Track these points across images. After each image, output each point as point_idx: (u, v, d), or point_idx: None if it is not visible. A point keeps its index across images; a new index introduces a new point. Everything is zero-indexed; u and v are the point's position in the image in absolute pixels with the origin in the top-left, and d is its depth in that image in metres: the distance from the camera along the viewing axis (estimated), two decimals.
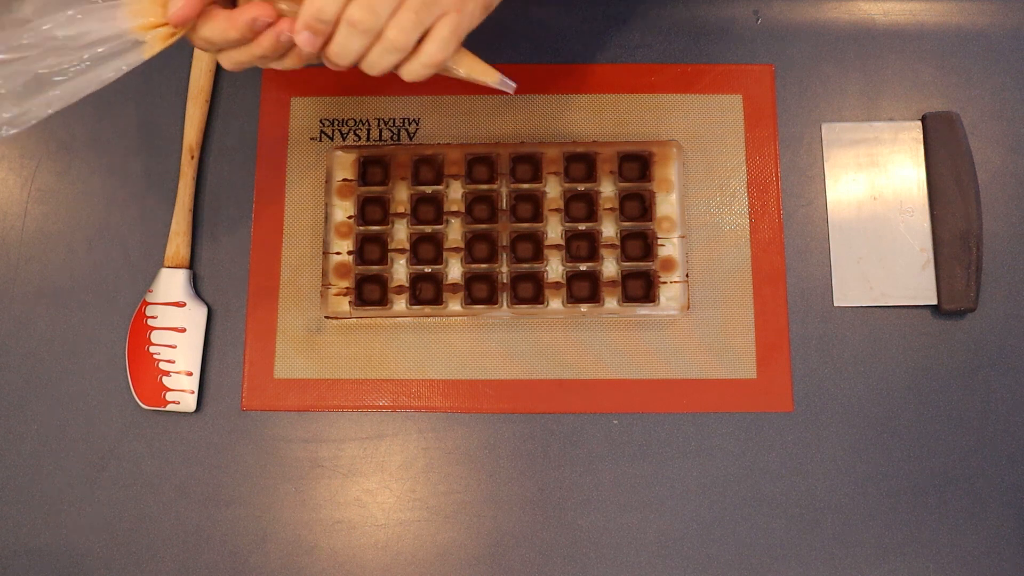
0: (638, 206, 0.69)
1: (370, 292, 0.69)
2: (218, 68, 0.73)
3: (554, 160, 0.69)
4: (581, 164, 0.70)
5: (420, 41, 0.50)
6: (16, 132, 0.46)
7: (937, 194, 0.69)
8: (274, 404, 0.68)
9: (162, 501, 0.67)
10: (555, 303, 0.67)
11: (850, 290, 0.69)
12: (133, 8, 0.48)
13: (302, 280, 0.70)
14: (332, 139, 0.72)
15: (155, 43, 0.49)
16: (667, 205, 0.68)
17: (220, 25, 0.49)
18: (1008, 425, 0.67)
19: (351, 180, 0.69)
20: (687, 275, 0.67)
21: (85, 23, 0.46)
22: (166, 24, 0.49)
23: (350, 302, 0.67)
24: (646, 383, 0.67)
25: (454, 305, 0.67)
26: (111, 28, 0.47)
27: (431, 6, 0.49)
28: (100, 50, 0.47)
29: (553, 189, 0.69)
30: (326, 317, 0.68)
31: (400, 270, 0.68)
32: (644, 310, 0.67)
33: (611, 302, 0.67)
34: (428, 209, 0.69)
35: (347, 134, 0.72)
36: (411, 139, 0.72)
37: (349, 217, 0.69)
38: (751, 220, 0.70)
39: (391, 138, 0.72)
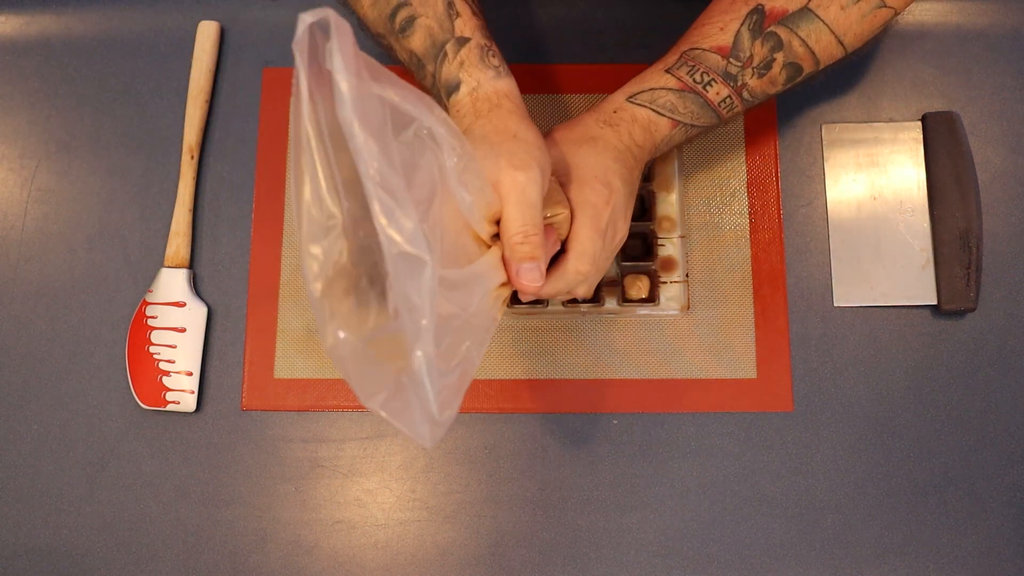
0: (638, 206, 0.69)
1: None
2: (218, 68, 0.73)
3: None
4: None
5: None
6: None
7: (937, 194, 0.69)
8: (274, 404, 0.68)
9: (162, 501, 0.67)
10: (555, 303, 0.67)
11: (850, 290, 0.69)
12: (491, 267, 0.47)
13: (302, 280, 0.70)
14: None
15: (499, 307, 0.48)
16: (667, 205, 0.68)
17: (555, 287, 0.51)
18: (1008, 425, 0.67)
19: None
20: (687, 275, 0.67)
21: (474, 284, 0.45)
22: (508, 285, 0.48)
23: None
24: (646, 383, 0.67)
25: None
26: (483, 288, 0.46)
27: (620, 244, 0.55)
28: (475, 318, 0.46)
29: None
30: None
31: None
32: (644, 310, 0.67)
33: (611, 302, 0.67)
34: None
35: None
36: None
37: None
38: (751, 220, 0.70)
39: None
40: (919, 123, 0.71)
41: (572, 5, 0.74)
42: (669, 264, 0.67)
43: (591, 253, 0.51)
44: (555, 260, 0.51)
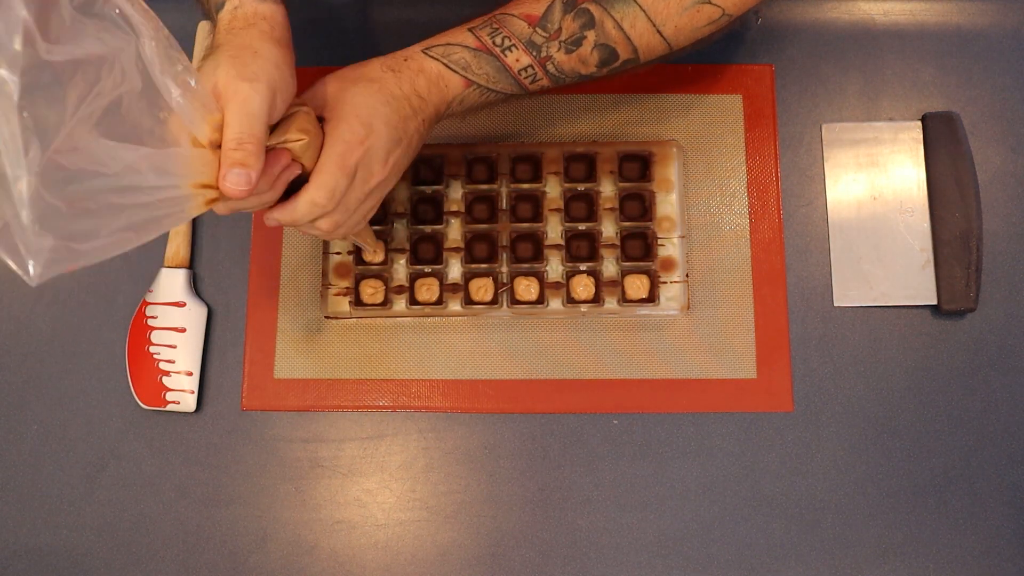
0: (638, 206, 0.69)
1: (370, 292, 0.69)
2: None
3: (554, 160, 0.69)
4: (581, 164, 0.70)
5: None
6: (46, 275, 0.39)
7: (937, 194, 0.69)
8: (274, 404, 0.68)
9: (162, 501, 0.67)
10: (555, 303, 0.67)
11: (850, 290, 0.69)
12: (190, 163, 0.45)
13: (302, 280, 0.70)
14: None
15: (199, 205, 0.46)
16: (667, 205, 0.68)
17: (266, 197, 0.50)
18: (1008, 425, 0.67)
19: None
20: (687, 275, 0.67)
21: (142, 163, 0.43)
22: (215, 188, 0.46)
23: (350, 302, 0.67)
24: (646, 383, 0.67)
25: (454, 305, 0.67)
26: (164, 178, 0.44)
27: (382, 190, 0.55)
28: (151, 198, 0.44)
29: (553, 189, 0.69)
30: (326, 317, 0.68)
31: (400, 270, 0.68)
32: (644, 310, 0.67)
33: (611, 302, 0.67)
34: (428, 209, 0.69)
35: None
36: None
37: None
38: (751, 220, 0.70)
39: None
40: (919, 123, 0.71)
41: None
42: (669, 264, 0.67)
43: (330, 186, 0.50)
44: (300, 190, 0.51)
